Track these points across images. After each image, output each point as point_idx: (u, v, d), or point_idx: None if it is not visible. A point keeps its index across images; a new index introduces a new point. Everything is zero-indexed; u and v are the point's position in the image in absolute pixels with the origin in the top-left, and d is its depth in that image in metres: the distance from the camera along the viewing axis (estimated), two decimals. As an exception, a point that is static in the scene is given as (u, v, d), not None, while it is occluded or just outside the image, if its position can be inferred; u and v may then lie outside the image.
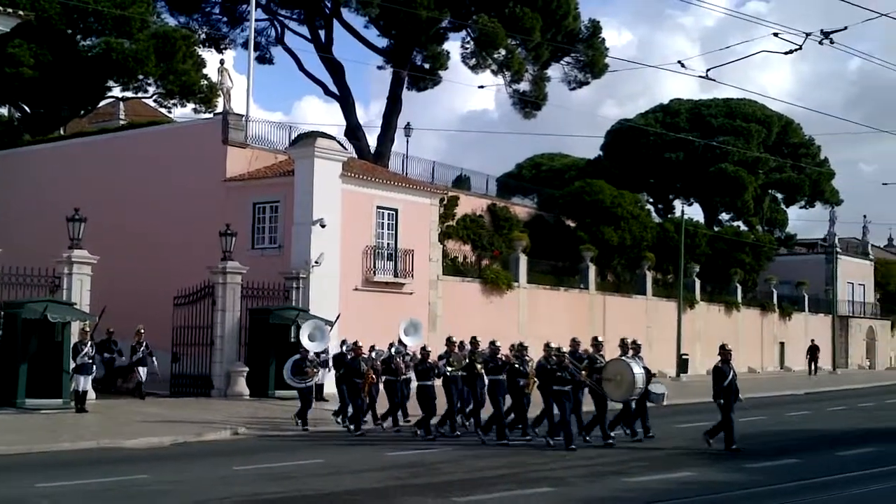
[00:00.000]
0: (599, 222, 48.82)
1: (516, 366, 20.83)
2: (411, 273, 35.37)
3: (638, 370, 20.20)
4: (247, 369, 29.85)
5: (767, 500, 14.27)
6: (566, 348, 20.88)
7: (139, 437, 19.92)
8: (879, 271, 73.50)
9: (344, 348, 23.16)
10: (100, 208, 32.51)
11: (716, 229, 62.32)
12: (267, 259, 32.75)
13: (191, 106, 45.05)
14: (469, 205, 45.57)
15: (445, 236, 41.14)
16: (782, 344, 59.55)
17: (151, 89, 44.19)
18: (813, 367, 55.12)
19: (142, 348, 28.78)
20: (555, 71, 51.41)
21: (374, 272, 34.28)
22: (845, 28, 21.45)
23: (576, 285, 45.51)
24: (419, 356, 22.25)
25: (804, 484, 15.38)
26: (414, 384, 22.69)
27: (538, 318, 40.55)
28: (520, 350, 21.36)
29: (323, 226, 31.70)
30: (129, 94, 45.61)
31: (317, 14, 48.27)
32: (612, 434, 20.22)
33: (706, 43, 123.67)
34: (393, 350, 23.25)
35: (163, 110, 48.70)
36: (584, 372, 20.09)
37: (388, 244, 34.90)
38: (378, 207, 34.62)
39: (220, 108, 37.17)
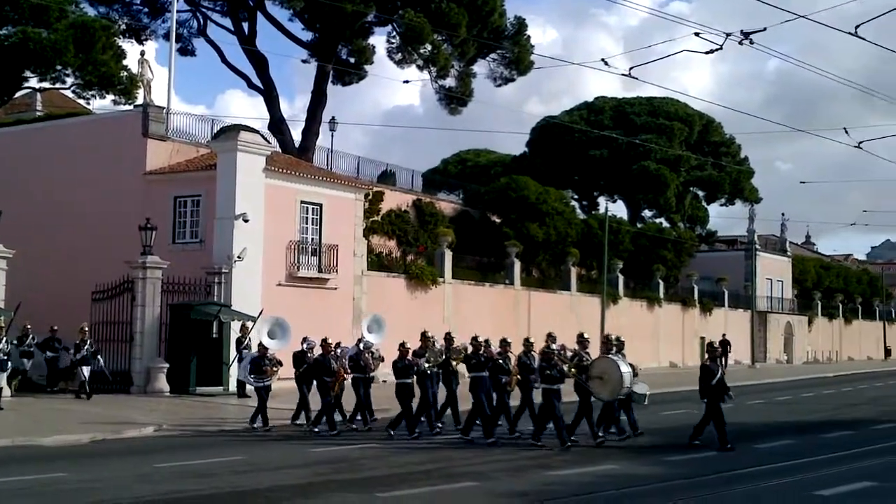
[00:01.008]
0: (525, 218, 49.10)
1: (500, 362, 20.57)
2: (336, 268, 35.20)
3: (625, 368, 19.73)
4: (167, 365, 29.48)
5: (687, 492, 14.44)
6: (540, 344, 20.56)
7: (56, 434, 19.51)
8: (797, 268, 75.22)
9: (304, 346, 22.22)
10: (16, 201, 31.86)
11: (639, 226, 63.12)
12: (188, 254, 32.31)
13: (110, 98, 44.14)
14: (394, 200, 45.48)
15: (370, 231, 41.02)
16: (703, 338, 60.38)
17: (70, 80, 43.17)
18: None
19: (85, 346, 28.09)
20: (480, 67, 51.68)
21: (298, 267, 34.03)
22: (765, 29, 21.77)
23: (501, 281, 45.73)
24: (381, 355, 21.73)
25: (723, 476, 15.64)
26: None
27: (463, 314, 40.65)
28: (503, 346, 21.10)
29: (246, 220, 31.35)
30: (46, 84, 44.51)
31: (240, 6, 47.76)
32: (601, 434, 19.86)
33: (629, 42, 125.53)
34: (362, 345, 22.80)
35: (81, 102, 47.62)
36: (572, 370, 19.83)
37: (313, 239, 34.68)
38: (302, 202, 34.38)
39: (140, 100, 36.60)
